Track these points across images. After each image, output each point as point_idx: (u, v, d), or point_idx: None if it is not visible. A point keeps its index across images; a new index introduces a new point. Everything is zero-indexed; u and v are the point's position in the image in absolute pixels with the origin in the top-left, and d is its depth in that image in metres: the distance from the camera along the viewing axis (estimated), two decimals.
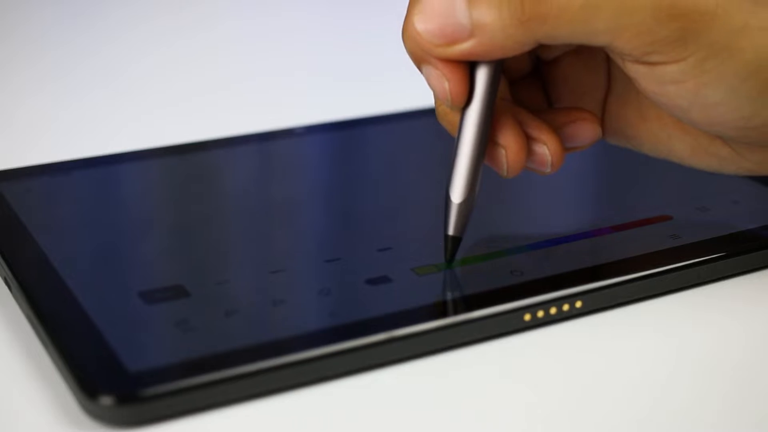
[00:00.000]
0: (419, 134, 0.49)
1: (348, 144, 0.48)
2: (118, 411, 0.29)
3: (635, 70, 0.34)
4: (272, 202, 0.41)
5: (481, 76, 0.34)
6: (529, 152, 0.36)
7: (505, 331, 0.34)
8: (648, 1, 0.31)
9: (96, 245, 0.37)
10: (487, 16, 0.32)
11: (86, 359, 0.30)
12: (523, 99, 0.38)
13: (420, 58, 0.34)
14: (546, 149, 0.35)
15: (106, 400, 0.29)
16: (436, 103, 0.36)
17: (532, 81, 0.39)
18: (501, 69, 0.34)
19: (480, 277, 0.36)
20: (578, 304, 0.34)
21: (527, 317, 0.34)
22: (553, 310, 0.34)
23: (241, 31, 0.70)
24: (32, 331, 0.34)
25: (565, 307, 0.34)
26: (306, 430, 0.30)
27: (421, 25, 0.33)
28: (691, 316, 0.36)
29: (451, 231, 0.35)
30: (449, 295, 0.34)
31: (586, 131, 0.37)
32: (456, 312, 0.33)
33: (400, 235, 0.39)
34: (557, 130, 0.36)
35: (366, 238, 0.39)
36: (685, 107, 0.34)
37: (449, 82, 0.33)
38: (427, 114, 0.50)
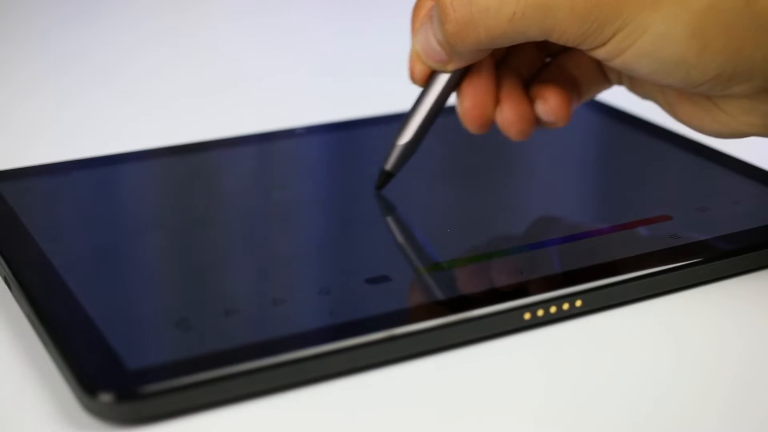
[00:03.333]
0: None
1: (349, 144, 0.48)
2: (117, 408, 0.29)
3: (588, 54, 0.37)
4: (272, 202, 0.41)
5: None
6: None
7: (505, 330, 0.34)
8: (566, 3, 0.35)
9: (96, 245, 0.37)
10: (444, 43, 0.37)
11: (86, 357, 0.30)
12: (571, 69, 0.41)
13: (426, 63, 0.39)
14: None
15: (106, 398, 0.29)
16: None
17: (550, 71, 0.41)
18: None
19: (480, 276, 0.36)
20: (578, 303, 0.34)
21: (527, 316, 0.34)
22: (553, 310, 0.34)
23: (241, 31, 0.70)
24: (32, 330, 0.34)
25: (565, 307, 0.34)
26: (306, 428, 0.30)
27: (418, 47, 0.39)
28: (691, 316, 0.36)
29: (388, 166, 0.40)
30: (449, 294, 0.34)
31: (549, 110, 0.40)
32: (456, 311, 0.33)
33: (401, 234, 0.39)
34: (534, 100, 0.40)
35: (366, 237, 0.39)
36: (632, 74, 0.37)
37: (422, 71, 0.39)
38: None
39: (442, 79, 0.39)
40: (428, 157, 0.46)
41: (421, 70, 0.39)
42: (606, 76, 0.42)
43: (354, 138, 0.48)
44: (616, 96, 0.47)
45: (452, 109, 0.51)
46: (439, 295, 0.34)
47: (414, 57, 0.39)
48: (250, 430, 0.30)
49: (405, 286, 0.35)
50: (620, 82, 0.42)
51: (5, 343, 0.33)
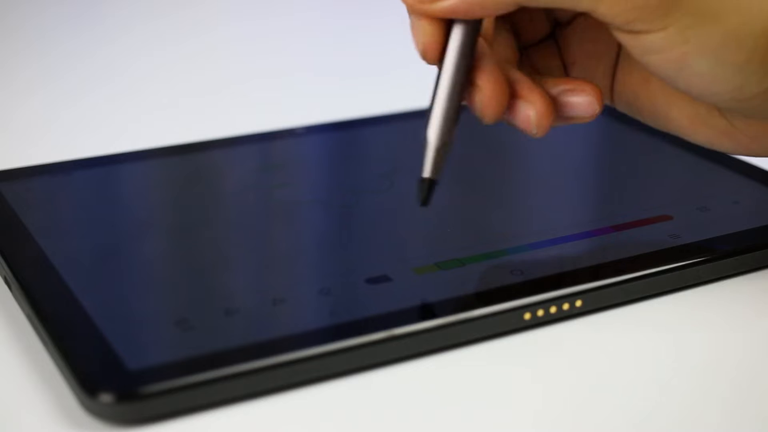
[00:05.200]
0: (420, 134, 0.49)
1: (349, 144, 0.48)
2: (117, 408, 0.29)
3: (622, 39, 0.33)
4: (272, 202, 0.41)
5: (458, 32, 0.34)
6: (516, 111, 0.35)
7: (505, 330, 0.34)
8: None
9: (96, 245, 0.37)
10: None
11: (86, 357, 0.30)
12: (537, 64, 0.38)
13: (410, 8, 0.34)
14: (532, 110, 0.35)
15: (106, 398, 0.29)
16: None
17: (548, 45, 0.39)
18: (479, 27, 0.35)
19: (480, 276, 0.36)
20: (578, 303, 0.34)
21: (527, 316, 0.34)
22: (553, 310, 0.34)
23: (241, 31, 0.70)
24: (32, 330, 0.34)
25: (565, 307, 0.34)
26: (305, 428, 0.30)
27: None
28: (691, 316, 0.36)
29: (428, 174, 0.35)
30: (449, 295, 0.34)
31: (584, 102, 0.36)
32: (456, 311, 0.33)
33: (401, 234, 0.39)
34: (559, 97, 0.36)
35: (367, 237, 0.39)
36: (673, 77, 0.34)
37: (425, 36, 0.34)
38: None
39: (456, 47, 0.34)
40: None
41: (429, 41, 0.34)
42: (568, 75, 0.39)
43: (354, 138, 0.48)
44: None
45: None
46: (439, 295, 0.34)
47: (416, 26, 0.34)
48: (251, 430, 0.30)
49: (405, 286, 0.35)
50: None
51: (5, 343, 0.33)
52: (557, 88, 0.36)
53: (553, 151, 0.47)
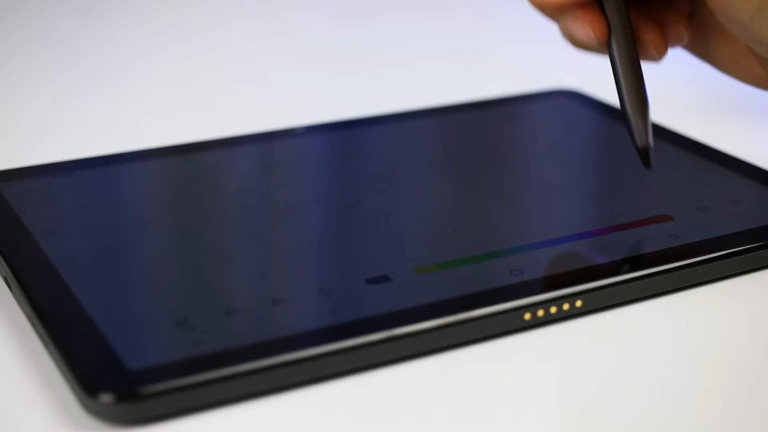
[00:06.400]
0: (420, 134, 0.49)
1: (349, 144, 0.48)
2: (117, 409, 0.29)
3: None
4: (272, 202, 0.41)
5: (611, 4, 0.39)
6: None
7: (505, 331, 0.34)
8: None
9: (96, 245, 0.37)
10: None
11: (86, 357, 0.30)
12: None
13: (553, 13, 0.40)
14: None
15: (106, 398, 0.29)
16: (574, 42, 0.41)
17: None
18: None
19: (480, 276, 0.36)
20: (578, 303, 0.34)
21: (527, 316, 0.34)
22: (553, 310, 0.34)
23: (241, 31, 0.70)
24: (32, 330, 0.34)
25: (566, 307, 0.34)
26: (305, 428, 0.30)
27: None
28: (691, 316, 0.36)
29: (641, 142, 0.39)
30: (449, 295, 0.34)
31: (647, 49, 0.41)
32: (456, 311, 0.33)
33: (401, 234, 0.39)
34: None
35: (367, 237, 0.39)
36: (746, 21, 0.36)
37: (591, 25, 0.39)
38: (429, 114, 0.50)
39: (621, 46, 0.39)
40: (428, 157, 0.46)
41: (594, 26, 0.39)
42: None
43: (354, 138, 0.48)
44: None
45: (450, 109, 0.51)
46: (440, 295, 0.34)
47: (572, 21, 0.39)
48: (251, 430, 0.30)
49: (405, 286, 0.35)
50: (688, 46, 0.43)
51: (5, 343, 0.33)
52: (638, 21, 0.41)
53: (553, 151, 0.47)
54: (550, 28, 0.44)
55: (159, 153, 0.45)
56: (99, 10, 0.72)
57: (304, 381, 0.31)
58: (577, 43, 0.40)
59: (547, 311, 0.34)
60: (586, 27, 0.39)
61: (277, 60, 0.64)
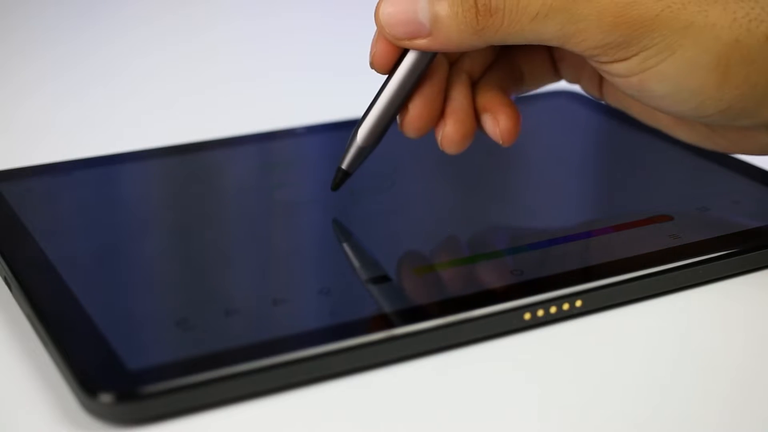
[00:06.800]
0: None
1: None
2: (117, 408, 0.29)
3: (590, 62, 0.36)
4: (273, 202, 0.41)
5: (411, 58, 0.37)
6: (437, 128, 0.38)
7: (505, 331, 0.34)
8: (593, 12, 0.34)
9: (96, 245, 0.37)
10: (444, 20, 0.35)
11: (86, 357, 0.30)
12: (522, 60, 0.40)
13: (381, 28, 0.37)
14: (441, 131, 0.38)
15: (106, 398, 0.29)
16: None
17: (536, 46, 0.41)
18: (433, 58, 0.37)
19: (480, 276, 0.36)
20: (578, 303, 0.34)
21: (527, 316, 0.34)
22: (553, 310, 0.34)
23: (241, 31, 0.70)
24: (32, 330, 0.34)
25: (565, 307, 0.34)
26: (305, 429, 0.30)
27: (385, 18, 0.36)
28: (691, 316, 0.36)
29: (345, 165, 0.38)
30: (449, 295, 0.34)
31: (491, 131, 0.38)
32: (456, 311, 0.33)
33: (401, 234, 0.39)
34: (479, 112, 0.38)
35: (367, 237, 0.39)
36: (636, 96, 0.36)
37: (377, 51, 0.37)
38: None
39: (408, 66, 0.37)
40: (427, 158, 0.46)
41: (385, 53, 0.37)
42: (557, 72, 0.41)
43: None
44: None
45: None
46: (440, 295, 0.34)
47: (378, 37, 0.37)
48: (251, 430, 0.30)
49: (405, 286, 0.35)
50: (574, 80, 0.42)
51: (5, 343, 0.33)
52: (483, 104, 0.38)
53: (553, 152, 0.47)
54: None
55: (159, 153, 0.45)
56: (99, 10, 0.72)
57: (304, 381, 0.31)
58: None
59: (546, 311, 0.34)
60: (376, 47, 0.37)
61: (277, 60, 0.64)
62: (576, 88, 0.52)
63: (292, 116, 0.50)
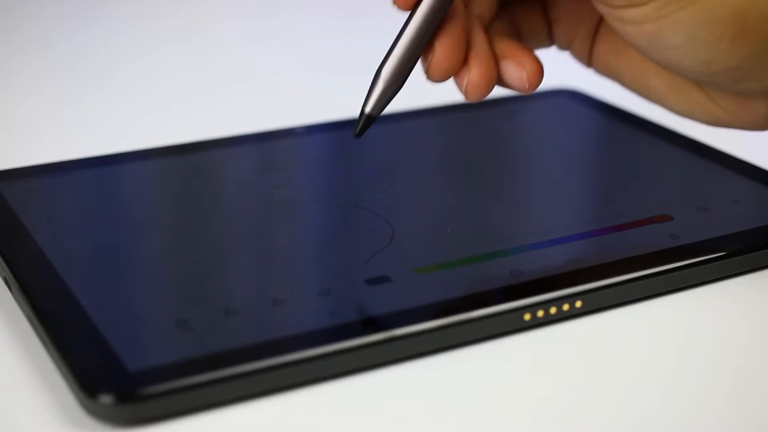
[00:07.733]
0: (421, 134, 0.49)
1: (349, 144, 0.48)
2: (117, 410, 0.29)
3: (600, 7, 0.35)
4: (272, 202, 0.41)
5: None
6: (461, 76, 0.37)
7: (505, 331, 0.34)
8: None
9: (96, 245, 0.37)
10: None
11: (86, 358, 0.30)
12: (518, 17, 0.40)
13: None
14: (465, 79, 0.37)
15: (106, 399, 0.29)
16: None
17: (533, 3, 0.40)
18: None
19: (480, 276, 0.36)
20: (578, 303, 0.34)
21: (527, 317, 0.34)
22: (553, 310, 0.34)
23: (241, 31, 0.70)
24: (32, 331, 0.34)
25: (565, 307, 0.34)
26: (305, 429, 0.30)
27: None
28: (691, 316, 0.36)
29: (369, 109, 0.37)
30: (449, 295, 0.34)
31: (515, 77, 0.37)
32: (456, 312, 0.33)
33: (401, 234, 0.39)
34: (500, 61, 0.37)
35: (367, 237, 0.39)
36: (645, 47, 0.35)
37: None
38: (428, 113, 0.50)
39: (427, 5, 0.36)
40: (427, 157, 0.46)
41: None
42: (551, 35, 0.41)
43: (354, 138, 0.48)
44: (618, 94, 0.47)
45: (450, 108, 0.50)
46: (440, 295, 0.34)
47: None
48: (250, 430, 0.30)
49: (405, 286, 0.35)
50: (566, 45, 0.41)
51: (5, 343, 0.33)
52: (502, 51, 0.37)
53: (553, 151, 0.47)
54: None
55: (159, 153, 0.45)
56: (99, 10, 0.72)
57: (304, 381, 0.31)
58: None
59: (546, 312, 0.34)
60: None
61: (277, 60, 0.64)
62: (576, 86, 0.52)
63: (292, 116, 0.50)
